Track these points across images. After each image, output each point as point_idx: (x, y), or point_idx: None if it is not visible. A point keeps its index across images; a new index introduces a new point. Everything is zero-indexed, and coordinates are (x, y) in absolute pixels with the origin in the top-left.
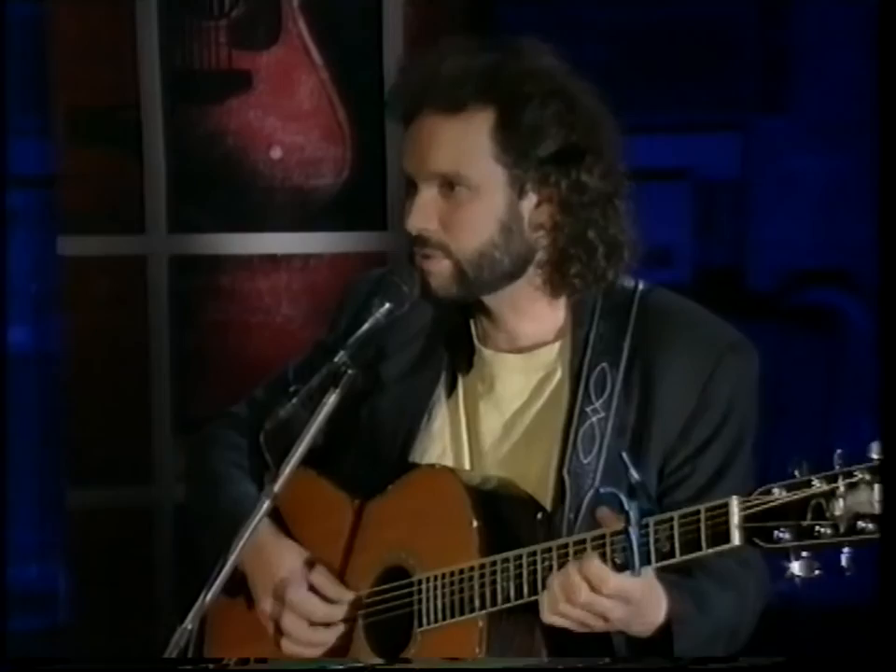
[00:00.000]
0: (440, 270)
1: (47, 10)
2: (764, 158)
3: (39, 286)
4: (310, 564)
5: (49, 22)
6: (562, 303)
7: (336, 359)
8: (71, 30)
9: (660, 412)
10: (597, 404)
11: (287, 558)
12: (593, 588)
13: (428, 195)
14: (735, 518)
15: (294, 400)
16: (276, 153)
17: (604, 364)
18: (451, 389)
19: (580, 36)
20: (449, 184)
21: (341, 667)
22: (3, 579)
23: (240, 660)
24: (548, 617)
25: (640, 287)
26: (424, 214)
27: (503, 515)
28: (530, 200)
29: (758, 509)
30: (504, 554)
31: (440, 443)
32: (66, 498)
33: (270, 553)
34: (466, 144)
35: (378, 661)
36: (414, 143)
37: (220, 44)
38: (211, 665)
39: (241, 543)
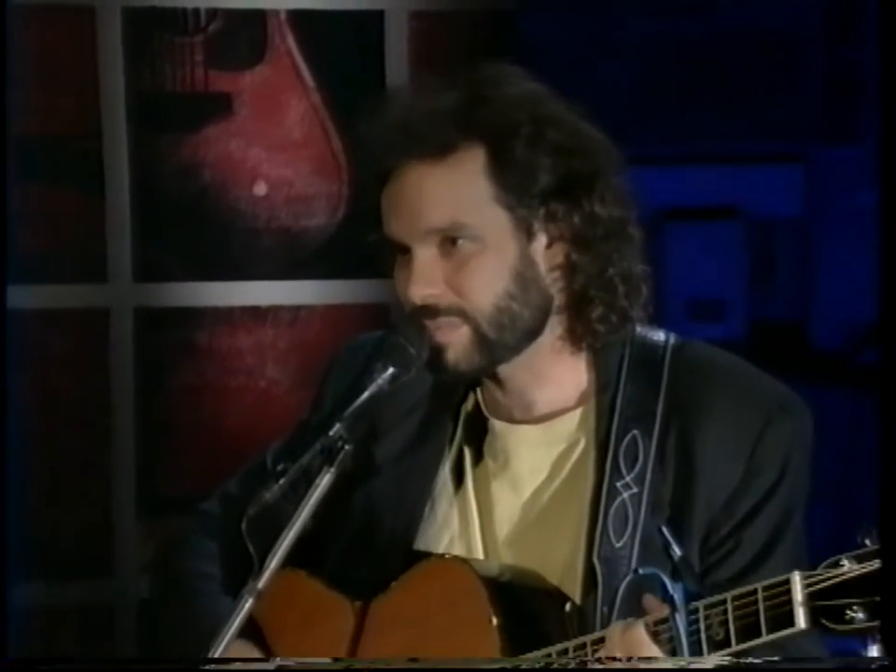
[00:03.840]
0: (458, 339)
1: None
2: (829, 194)
3: None
4: None
5: None
6: (583, 363)
7: (331, 433)
8: (21, 47)
9: (702, 484)
10: (629, 478)
11: None
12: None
13: (427, 256)
14: (799, 596)
15: (282, 481)
16: (261, 189)
17: (634, 431)
18: (458, 468)
19: (610, 52)
20: (450, 239)
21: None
22: None
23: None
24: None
25: (672, 340)
26: (427, 278)
27: (526, 611)
28: (540, 241)
29: (825, 584)
30: (531, 655)
31: (447, 531)
32: (10, 594)
33: None
34: (461, 191)
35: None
36: (401, 201)
37: (195, 63)
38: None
39: (220, 648)
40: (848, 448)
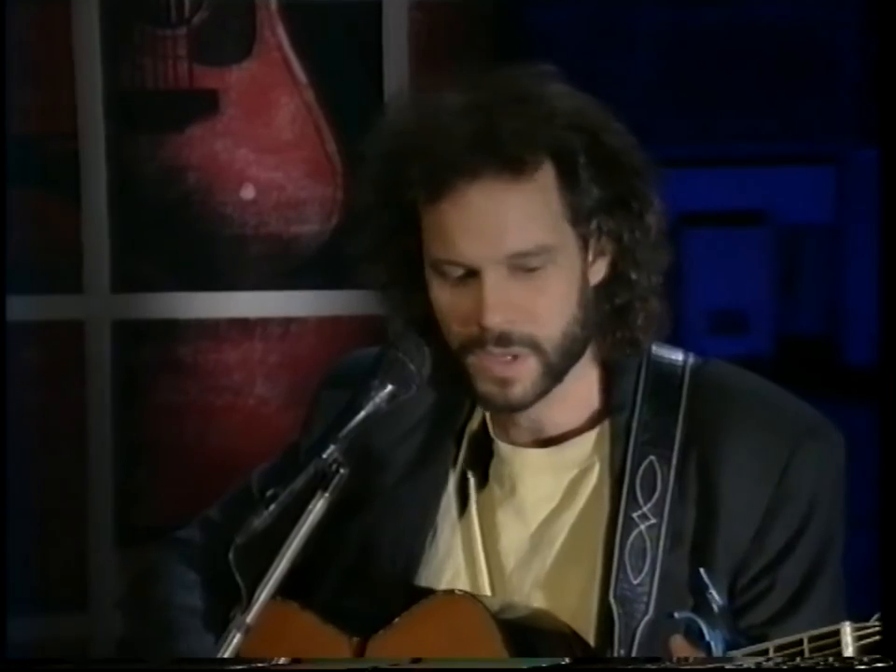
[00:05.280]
0: (527, 372)
1: None
2: (863, 198)
3: None
4: None
5: None
6: (596, 383)
7: (325, 455)
8: None
9: (726, 514)
10: (646, 508)
11: None
12: None
13: (500, 281)
14: (850, 649)
15: (272, 507)
16: (249, 193)
17: (652, 457)
18: (462, 495)
19: (623, 45)
20: (525, 262)
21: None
22: None
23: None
24: None
25: (690, 360)
26: (504, 305)
27: (540, 653)
28: (590, 258)
29: (879, 637)
30: None
31: (451, 564)
32: None
33: None
34: (542, 210)
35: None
36: (472, 222)
37: (179, 57)
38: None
39: None
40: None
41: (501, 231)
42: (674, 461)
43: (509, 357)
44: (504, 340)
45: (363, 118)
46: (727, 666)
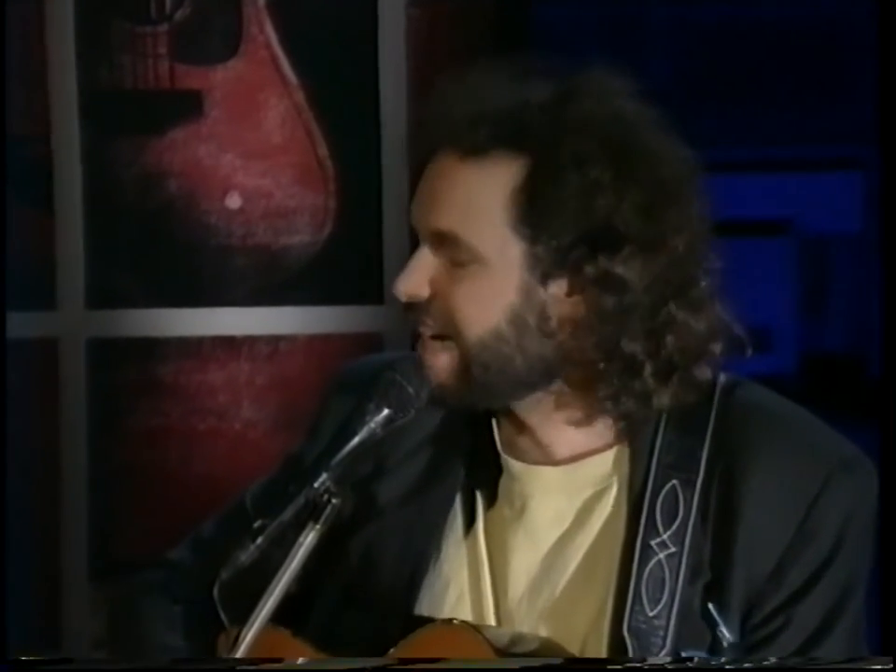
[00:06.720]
0: (442, 364)
1: None
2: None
3: None
4: None
5: None
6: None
7: (316, 485)
8: None
9: (745, 546)
10: (666, 536)
11: None
12: None
13: (427, 255)
14: None
15: (259, 541)
16: (235, 201)
17: (674, 481)
18: (469, 515)
19: (634, 45)
20: (450, 247)
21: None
22: None
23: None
24: None
25: (722, 378)
26: (416, 277)
27: None
28: (559, 287)
29: None
30: None
31: (455, 588)
32: None
33: None
34: (476, 200)
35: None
36: (422, 190)
37: (159, 56)
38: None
39: None
40: None
41: (432, 203)
42: (698, 486)
43: (427, 334)
44: (415, 309)
45: (357, 120)
46: (728, 666)
